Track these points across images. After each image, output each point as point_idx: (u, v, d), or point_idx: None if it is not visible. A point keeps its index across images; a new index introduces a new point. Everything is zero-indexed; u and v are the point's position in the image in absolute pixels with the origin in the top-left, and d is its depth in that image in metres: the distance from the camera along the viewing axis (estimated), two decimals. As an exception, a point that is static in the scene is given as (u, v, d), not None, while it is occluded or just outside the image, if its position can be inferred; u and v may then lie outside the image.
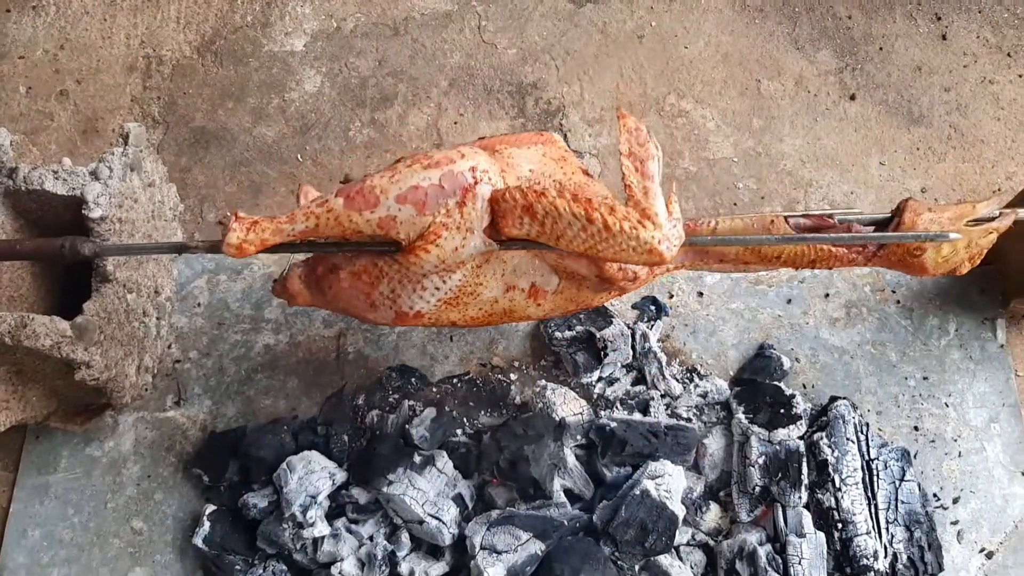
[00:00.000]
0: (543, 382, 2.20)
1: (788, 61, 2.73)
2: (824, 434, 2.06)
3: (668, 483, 1.99)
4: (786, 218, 1.66)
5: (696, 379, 2.23)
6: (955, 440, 2.20)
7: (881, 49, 2.74)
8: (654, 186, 1.38)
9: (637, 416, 2.14)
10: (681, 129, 2.62)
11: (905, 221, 1.62)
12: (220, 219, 2.47)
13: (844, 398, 2.15)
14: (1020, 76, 2.69)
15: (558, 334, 2.22)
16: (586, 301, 1.66)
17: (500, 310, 1.61)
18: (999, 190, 2.52)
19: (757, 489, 2.04)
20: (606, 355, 2.19)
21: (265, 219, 1.55)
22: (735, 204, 2.50)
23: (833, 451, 2.04)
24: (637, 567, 2.00)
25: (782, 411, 2.10)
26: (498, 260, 1.56)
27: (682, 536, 2.04)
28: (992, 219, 1.70)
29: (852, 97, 2.67)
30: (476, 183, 1.47)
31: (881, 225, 1.68)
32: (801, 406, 2.11)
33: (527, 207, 1.44)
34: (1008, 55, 2.72)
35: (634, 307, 2.32)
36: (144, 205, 2.13)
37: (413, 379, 2.23)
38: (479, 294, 1.57)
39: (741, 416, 2.12)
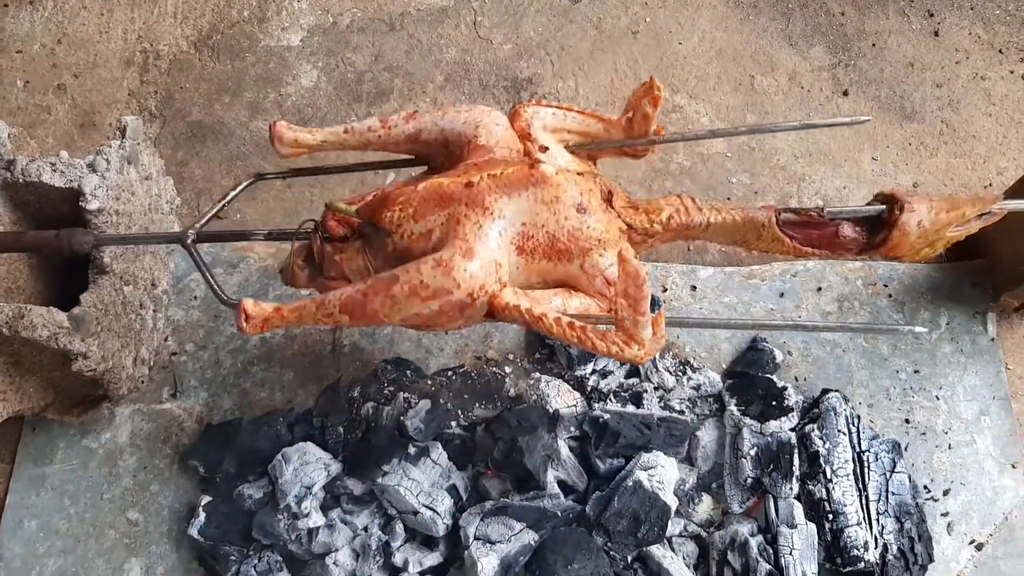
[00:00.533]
0: (537, 374, 2.22)
1: (782, 57, 2.75)
2: (816, 426, 2.08)
3: (661, 474, 2.01)
4: (777, 213, 1.67)
5: (689, 372, 2.25)
6: (946, 433, 2.22)
7: (874, 45, 2.76)
8: (643, 319, 1.45)
9: (630, 408, 2.16)
10: (675, 124, 2.64)
11: (899, 225, 1.63)
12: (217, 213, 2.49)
13: (835, 391, 2.16)
14: (1011, 72, 2.71)
15: (552, 327, 2.24)
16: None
17: None
18: (990, 185, 2.53)
19: (749, 480, 2.06)
20: (599, 348, 2.20)
21: (274, 315, 1.66)
22: (728, 198, 2.52)
23: (824, 443, 2.06)
24: (630, 557, 2.02)
25: (774, 403, 2.12)
26: None
27: (674, 527, 2.06)
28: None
29: (845, 93, 2.69)
30: (475, 301, 1.53)
31: (872, 220, 1.69)
32: (793, 398, 2.13)
33: (525, 323, 1.53)
34: (1000, 51, 2.74)
35: (628, 300, 2.33)
36: (141, 198, 2.14)
37: (408, 372, 2.25)
38: None
39: (733, 408, 2.14)
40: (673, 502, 2.00)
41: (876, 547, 2.00)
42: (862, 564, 1.98)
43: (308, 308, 1.63)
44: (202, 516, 2.08)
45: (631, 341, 1.46)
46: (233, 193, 1.87)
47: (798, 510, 2.01)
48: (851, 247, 1.68)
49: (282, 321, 1.65)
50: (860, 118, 1.74)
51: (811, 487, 2.05)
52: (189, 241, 1.77)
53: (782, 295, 2.36)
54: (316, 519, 2.02)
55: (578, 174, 1.65)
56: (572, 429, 2.12)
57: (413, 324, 1.59)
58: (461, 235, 1.53)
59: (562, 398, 2.14)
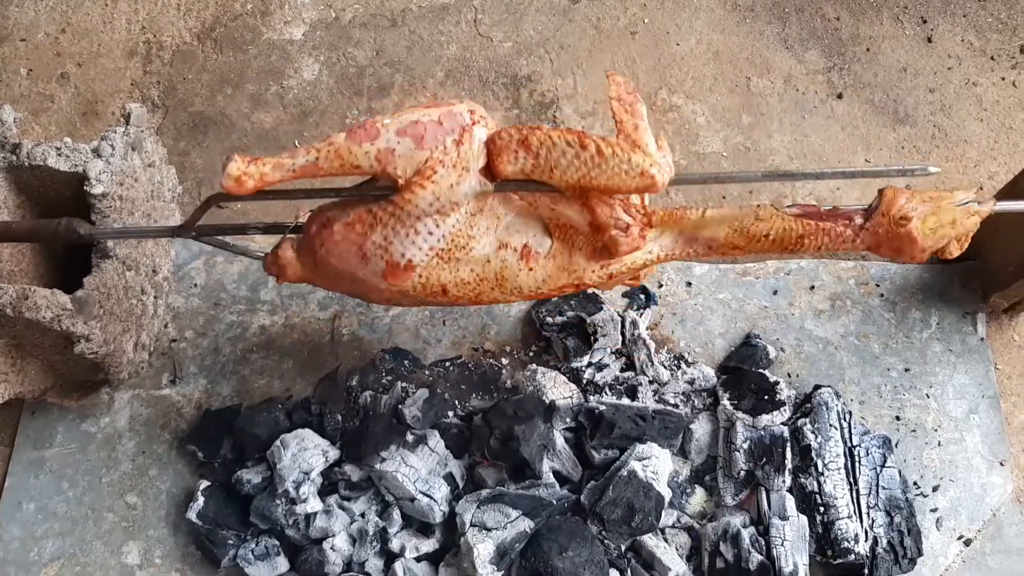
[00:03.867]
0: (534, 366, 2.24)
1: (777, 60, 2.78)
2: (808, 420, 2.11)
3: (655, 465, 2.03)
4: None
5: (684, 366, 2.28)
6: (935, 430, 2.25)
7: (868, 50, 2.80)
8: (643, 123, 1.42)
9: (625, 401, 2.18)
10: (672, 124, 2.67)
11: (883, 201, 1.65)
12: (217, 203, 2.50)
13: (828, 386, 2.19)
14: (1003, 79, 2.75)
15: (549, 319, 2.26)
16: (577, 274, 1.66)
17: (491, 274, 1.60)
18: (980, 188, 2.57)
19: (742, 473, 2.08)
20: (596, 340, 2.23)
21: (266, 156, 1.55)
22: (723, 197, 2.55)
23: (816, 437, 2.08)
24: (623, 546, 2.04)
25: (766, 397, 2.15)
26: (492, 214, 1.58)
27: (668, 519, 2.08)
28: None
29: (839, 96, 2.73)
30: (474, 124, 1.51)
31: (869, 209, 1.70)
32: (785, 393, 2.16)
33: (522, 140, 1.48)
34: (992, 58, 2.79)
35: (624, 295, 2.36)
36: (144, 185, 2.16)
37: (406, 361, 2.27)
38: (471, 248, 1.57)
39: (727, 402, 2.16)
40: (667, 493, 2.03)
41: (866, 540, 2.03)
42: (852, 556, 2.00)
43: (305, 147, 1.54)
44: (200, 500, 2.09)
45: (635, 147, 1.42)
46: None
47: (790, 502, 2.04)
48: (851, 217, 1.67)
49: (272, 158, 1.52)
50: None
51: (803, 480, 2.07)
52: (189, 235, 1.77)
53: (775, 292, 2.39)
54: (314, 505, 2.04)
55: None
56: (568, 420, 2.14)
57: (405, 149, 1.50)
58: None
59: (558, 389, 2.17)
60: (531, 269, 1.58)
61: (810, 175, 1.73)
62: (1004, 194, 2.25)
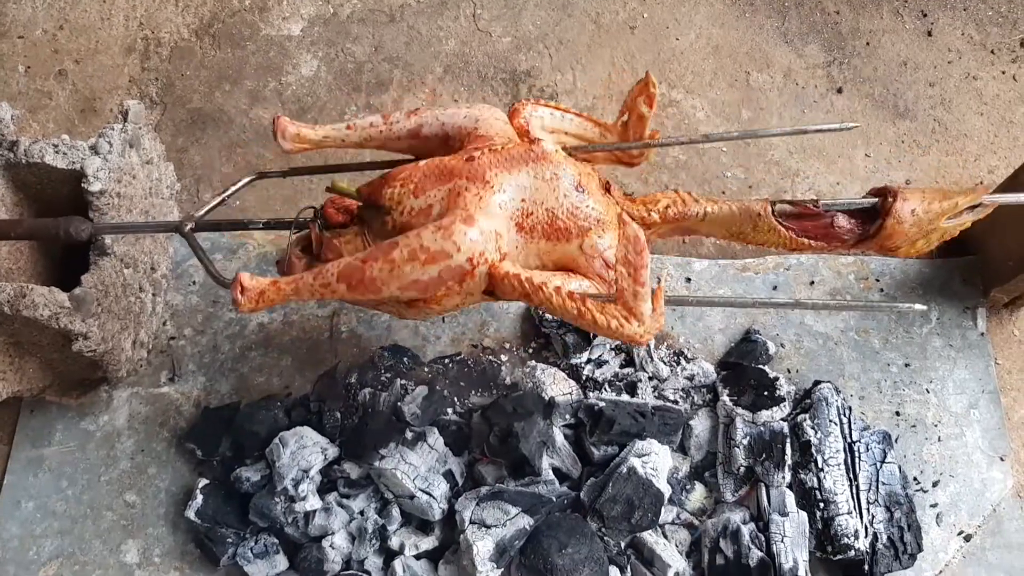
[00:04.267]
0: (533, 363, 2.24)
1: (777, 54, 2.78)
2: (807, 416, 2.11)
3: (654, 461, 2.03)
4: (772, 204, 1.70)
5: (683, 362, 2.27)
6: (935, 425, 2.25)
7: (868, 44, 2.79)
8: (643, 291, 1.46)
9: (625, 397, 2.18)
10: (672, 118, 2.67)
11: (893, 212, 1.65)
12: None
13: (827, 381, 2.19)
14: (1003, 73, 2.75)
15: (548, 316, 2.26)
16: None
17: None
18: (981, 183, 2.57)
19: (741, 469, 2.08)
20: (595, 337, 2.22)
21: (271, 288, 1.65)
22: (723, 192, 2.55)
23: (816, 432, 2.08)
24: (623, 543, 2.04)
25: (766, 393, 2.14)
26: None
27: (667, 515, 2.08)
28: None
29: (839, 90, 2.72)
30: (475, 268, 1.54)
31: (866, 212, 1.71)
32: (785, 388, 2.15)
33: (524, 294, 1.53)
34: (992, 52, 2.78)
35: (623, 291, 2.36)
36: (142, 182, 2.15)
37: (405, 359, 2.26)
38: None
39: (726, 398, 2.16)
40: (666, 489, 2.02)
41: (866, 536, 2.03)
42: (852, 552, 2.00)
43: (305, 280, 1.62)
44: (199, 498, 2.09)
45: (631, 316, 1.47)
46: (233, 188, 1.87)
47: (790, 498, 2.04)
48: (846, 238, 1.70)
49: (278, 294, 1.64)
50: (848, 124, 1.79)
51: (803, 476, 2.07)
52: (187, 230, 1.78)
53: (775, 288, 2.39)
54: (313, 502, 2.03)
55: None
56: (567, 417, 2.14)
57: (410, 296, 1.58)
58: (462, 205, 1.55)
59: (557, 386, 2.16)
60: None
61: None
62: (1003, 189, 2.25)
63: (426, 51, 2.77)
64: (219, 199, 1.85)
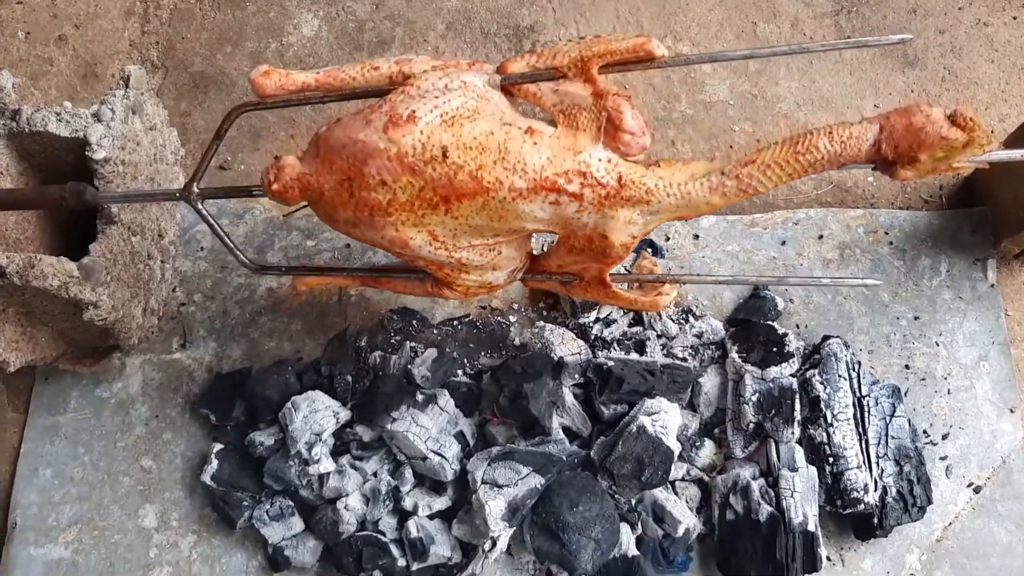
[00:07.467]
0: (541, 323, 2.24)
1: (784, 3, 2.73)
2: (816, 371, 2.11)
3: (664, 419, 2.04)
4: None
5: (692, 320, 2.27)
6: (945, 378, 2.25)
7: (877, -9, 2.75)
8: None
9: (634, 356, 2.18)
10: (678, 72, 2.63)
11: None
12: (222, 164, 2.49)
13: (836, 336, 2.19)
14: (1014, 18, 2.70)
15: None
16: (583, 157, 1.57)
17: (495, 144, 1.52)
18: (992, 132, 2.53)
19: (751, 426, 2.09)
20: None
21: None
22: (731, 147, 2.53)
23: (825, 388, 2.09)
24: (634, 500, 2.06)
25: (775, 349, 2.14)
26: (497, 106, 1.60)
27: (677, 471, 2.10)
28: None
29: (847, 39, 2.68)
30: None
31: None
32: (794, 344, 2.16)
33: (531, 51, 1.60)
34: (1004, -3, 2.73)
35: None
36: (146, 148, 2.15)
37: (414, 321, 2.27)
38: (476, 120, 1.56)
39: (735, 355, 2.16)
40: (676, 446, 2.04)
41: (876, 490, 2.04)
42: (862, 506, 2.02)
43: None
44: (214, 463, 2.12)
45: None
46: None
47: (799, 454, 2.05)
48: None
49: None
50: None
51: (812, 431, 2.08)
52: (193, 198, 1.77)
53: (784, 243, 2.38)
54: (326, 465, 2.06)
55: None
56: (576, 376, 2.14)
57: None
58: None
59: (566, 346, 2.17)
60: (535, 143, 1.55)
61: (739, 55, 1.69)
62: (1014, 138, 2.22)
63: (428, 8, 2.73)
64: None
